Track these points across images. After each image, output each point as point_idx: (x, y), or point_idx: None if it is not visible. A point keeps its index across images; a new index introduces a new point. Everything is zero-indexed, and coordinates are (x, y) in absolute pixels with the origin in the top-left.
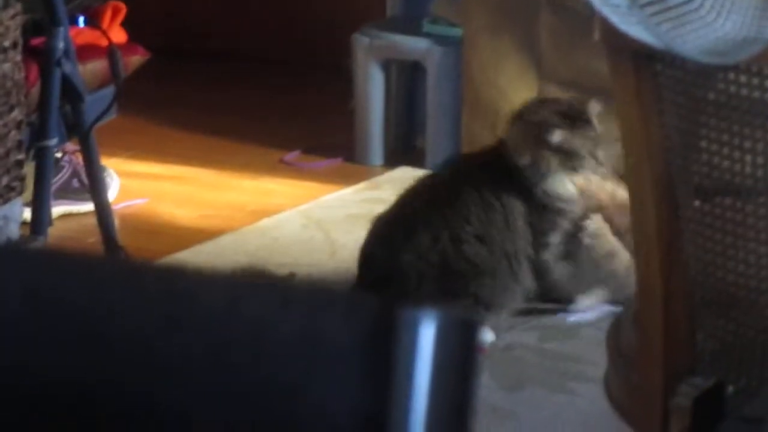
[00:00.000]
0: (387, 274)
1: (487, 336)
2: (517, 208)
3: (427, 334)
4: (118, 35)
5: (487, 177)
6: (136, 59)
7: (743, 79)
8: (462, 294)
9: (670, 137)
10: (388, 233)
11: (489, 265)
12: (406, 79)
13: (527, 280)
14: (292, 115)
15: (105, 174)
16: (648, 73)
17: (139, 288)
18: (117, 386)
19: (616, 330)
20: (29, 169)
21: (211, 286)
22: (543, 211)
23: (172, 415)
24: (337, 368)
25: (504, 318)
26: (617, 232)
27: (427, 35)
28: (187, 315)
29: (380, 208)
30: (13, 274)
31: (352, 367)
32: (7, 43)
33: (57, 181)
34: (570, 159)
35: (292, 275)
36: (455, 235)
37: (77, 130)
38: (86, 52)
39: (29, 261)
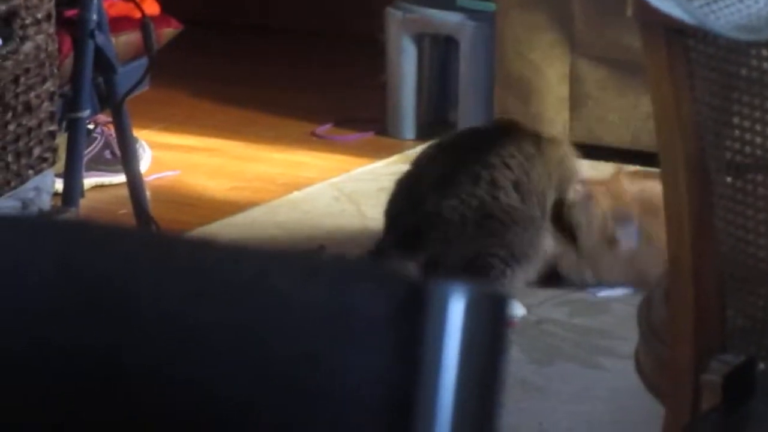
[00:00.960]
0: (418, 225)
1: (518, 310)
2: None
3: (456, 308)
4: (151, 7)
5: (527, 135)
6: (168, 31)
7: None
8: (498, 242)
9: (702, 113)
10: (424, 185)
11: (521, 215)
12: (439, 53)
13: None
14: (325, 88)
15: (137, 145)
16: (680, 48)
17: (168, 260)
18: (145, 356)
19: (647, 306)
20: (61, 141)
21: (240, 259)
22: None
23: (197, 385)
24: (365, 341)
25: (532, 279)
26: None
27: (460, 9)
28: (215, 287)
29: None
30: (46, 245)
31: (381, 339)
32: (40, 15)
33: (89, 152)
34: None
35: (322, 248)
36: (494, 179)
37: (110, 101)
38: (119, 23)
39: (61, 232)
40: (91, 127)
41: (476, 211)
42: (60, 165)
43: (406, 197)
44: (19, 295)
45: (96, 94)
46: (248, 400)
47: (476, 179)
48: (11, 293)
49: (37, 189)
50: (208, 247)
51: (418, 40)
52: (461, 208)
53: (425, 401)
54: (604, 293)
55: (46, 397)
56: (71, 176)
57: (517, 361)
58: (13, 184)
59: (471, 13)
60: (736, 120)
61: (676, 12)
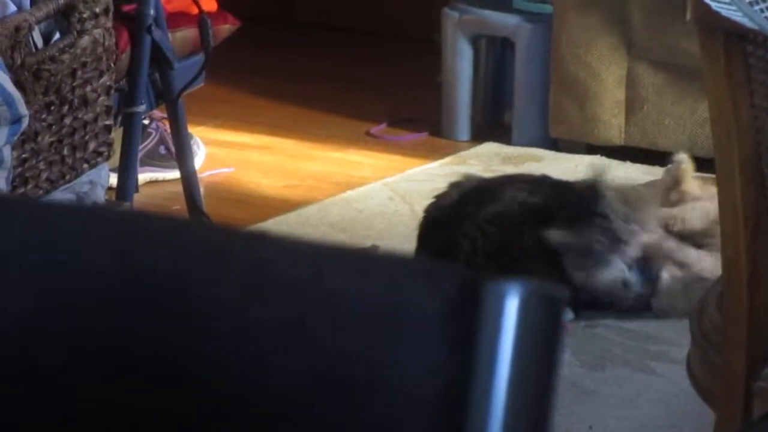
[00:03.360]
0: (444, 246)
1: (567, 314)
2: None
3: (511, 306)
4: (209, 3)
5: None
6: (225, 28)
7: None
8: (512, 271)
9: (759, 118)
10: (453, 207)
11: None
12: (495, 55)
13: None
14: (380, 88)
15: (191, 142)
16: (738, 53)
17: (223, 253)
18: (197, 349)
19: (699, 311)
20: (117, 135)
21: (296, 254)
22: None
23: (249, 380)
24: (420, 338)
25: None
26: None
27: (517, 11)
28: (270, 282)
29: None
30: (102, 236)
31: (435, 336)
32: (98, 9)
33: (144, 147)
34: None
35: (375, 247)
36: (519, 221)
37: (165, 97)
38: (177, 19)
39: (117, 223)
40: (146, 122)
41: (491, 240)
42: (115, 159)
43: (432, 222)
44: (74, 285)
45: (152, 89)
46: (301, 396)
47: (501, 212)
48: (66, 282)
49: (91, 183)
50: (264, 241)
51: (474, 41)
52: (474, 235)
53: (479, 398)
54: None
55: (99, 387)
56: (126, 171)
57: (568, 364)
58: (68, 177)
59: (528, 14)
60: None
61: (736, 16)
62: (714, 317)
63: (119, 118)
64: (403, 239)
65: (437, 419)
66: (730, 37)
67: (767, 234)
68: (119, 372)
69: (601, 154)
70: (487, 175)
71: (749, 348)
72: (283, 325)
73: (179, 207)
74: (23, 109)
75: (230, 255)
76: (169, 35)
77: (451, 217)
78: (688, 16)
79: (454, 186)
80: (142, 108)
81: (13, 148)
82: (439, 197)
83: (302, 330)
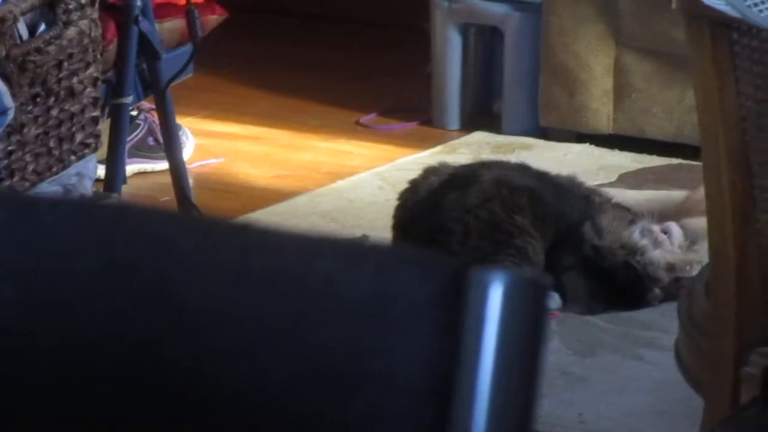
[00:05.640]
0: (430, 233)
1: (555, 302)
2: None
3: (495, 294)
4: None
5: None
6: (213, 18)
7: None
8: (507, 247)
9: (746, 106)
10: (436, 192)
11: (532, 233)
12: (484, 44)
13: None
14: (370, 77)
15: (180, 133)
16: (724, 41)
17: (210, 244)
18: (188, 341)
19: (687, 298)
20: (105, 127)
21: (284, 244)
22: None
23: (239, 372)
24: (407, 326)
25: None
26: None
27: (507, 0)
28: (257, 272)
29: None
30: (87, 229)
31: (422, 325)
32: (84, 0)
33: (132, 138)
34: None
35: (365, 237)
36: (509, 204)
37: (154, 88)
38: (164, 10)
39: (103, 215)
40: (134, 113)
41: (483, 223)
42: (103, 151)
43: (411, 210)
44: (58, 280)
45: (140, 80)
46: (291, 387)
47: (490, 197)
48: (52, 278)
49: (79, 175)
50: (251, 233)
51: (464, 30)
52: (467, 218)
53: (465, 386)
54: None
55: (84, 385)
56: (114, 162)
57: (558, 351)
58: (55, 169)
59: (517, 3)
60: None
61: (720, 5)
62: (702, 304)
63: (107, 110)
64: None
65: (424, 407)
66: (716, 25)
67: (754, 221)
68: (104, 369)
69: (590, 143)
70: None
71: (737, 334)
72: (272, 316)
73: (168, 198)
74: (9, 101)
75: (217, 247)
76: (157, 26)
77: (432, 204)
78: (674, 4)
79: (429, 173)
80: (129, 99)
81: None
82: (414, 185)
83: (291, 321)
